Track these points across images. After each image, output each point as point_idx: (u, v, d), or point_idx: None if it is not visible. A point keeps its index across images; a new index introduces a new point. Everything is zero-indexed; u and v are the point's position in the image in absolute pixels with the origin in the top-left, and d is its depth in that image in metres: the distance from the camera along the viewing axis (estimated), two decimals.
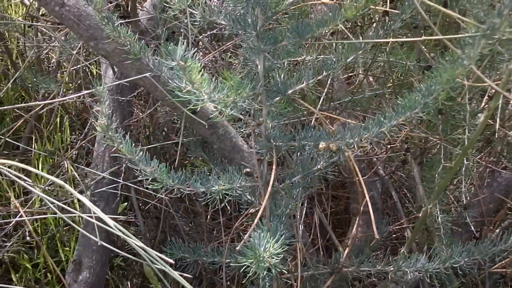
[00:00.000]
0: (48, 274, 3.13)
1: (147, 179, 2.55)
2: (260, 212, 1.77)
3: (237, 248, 1.65)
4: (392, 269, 2.17)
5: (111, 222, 1.60)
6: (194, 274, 2.85)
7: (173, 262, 1.37)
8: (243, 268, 1.65)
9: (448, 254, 2.11)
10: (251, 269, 1.63)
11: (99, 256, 2.78)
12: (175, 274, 1.44)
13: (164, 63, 1.89)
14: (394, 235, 3.17)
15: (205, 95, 1.64)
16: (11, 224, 2.73)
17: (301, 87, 1.99)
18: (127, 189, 2.82)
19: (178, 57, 1.43)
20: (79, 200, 3.13)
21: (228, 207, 3.18)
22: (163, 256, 1.45)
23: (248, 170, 1.96)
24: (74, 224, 1.77)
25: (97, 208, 2.70)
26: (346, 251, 2.29)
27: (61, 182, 1.59)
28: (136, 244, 1.40)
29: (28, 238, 2.99)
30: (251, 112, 1.97)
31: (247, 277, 1.65)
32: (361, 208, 2.49)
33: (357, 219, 2.50)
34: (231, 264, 2.20)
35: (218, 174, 1.99)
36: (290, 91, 1.97)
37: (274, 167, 1.92)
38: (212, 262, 2.24)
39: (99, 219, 2.55)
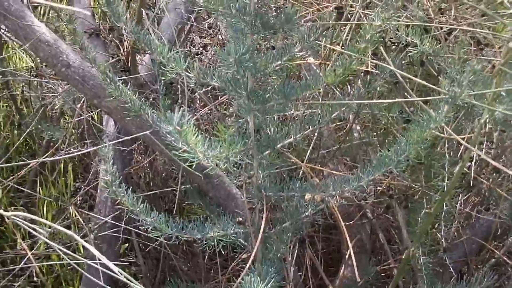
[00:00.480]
0: None
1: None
2: (252, 257, 1.93)
3: None
4: None
5: (115, 269, 1.76)
6: None
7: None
8: None
9: None
10: None
11: None
12: None
13: (162, 122, 2.06)
14: (383, 274, 3.32)
15: (199, 154, 1.81)
16: (19, 266, 2.88)
17: (289, 141, 2.16)
18: (128, 231, 2.97)
19: (175, 123, 1.60)
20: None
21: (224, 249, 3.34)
22: None
23: (240, 219, 2.12)
24: (78, 268, 1.92)
25: (100, 252, 2.87)
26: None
27: (66, 230, 1.75)
28: None
29: (35, 278, 3.13)
30: (243, 164, 2.13)
31: None
32: (349, 251, 2.65)
33: (345, 260, 2.65)
34: None
35: (213, 221, 2.15)
36: (279, 145, 2.15)
37: (264, 215, 2.08)
38: None
39: (103, 264, 2.71)
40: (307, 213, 2.23)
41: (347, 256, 2.60)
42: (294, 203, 2.23)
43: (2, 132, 3.78)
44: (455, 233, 2.96)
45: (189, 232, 2.08)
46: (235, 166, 2.07)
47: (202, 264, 3.30)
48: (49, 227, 2.74)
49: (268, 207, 2.16)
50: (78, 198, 3.29)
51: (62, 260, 3.31)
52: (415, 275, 2.66)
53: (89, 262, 1.80)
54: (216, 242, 2.12)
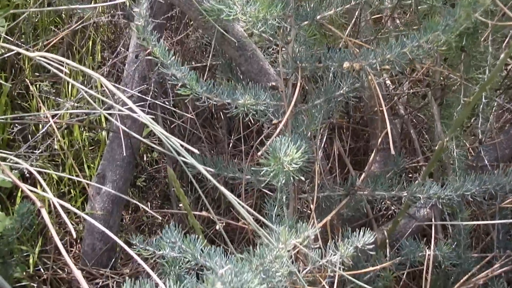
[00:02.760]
0: (72, 191, 3.24)
1: (174, 98, 2.64)
2: (282, 122, 1.85)
3: (259, 153, 1.73)
4: (405, 194, 2.24)
5: (141, 114, 1.68)
6: None
7: (197, 152, 1.45)
8: (263, 172, 1.74)
9: (460, 183, 2.19)
10: (270, 173, 1.72)
11: (122, 171, 2.89)
12: (200, 167, 1.53)
13: None
14: (410, 174, 3.25)
15: (238, 6, 1.72)
16: (41, 132, 2.83)
17: (330, 14, 2.06)
18: (154, 106, 2.91)
19: None
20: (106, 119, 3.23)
21: (250, 137, 3.27)
22: (188, 146, 1.54)
23: (273, 83, 2.04)
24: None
25: (124, 125, 2.81)
26: (362, 176, 2.38)
27: (92, 73, 1.67)
28: (161, 132, 1.49)
29: (56, 146, 3.08)
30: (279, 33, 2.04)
31: (266, 181, 1.73)
32: (379, 141, 2.57)
33: (375, 151, 2.57)
34: (251, 181, 2.29)
35: (245, 89, 2.07)
36: (318, 17, 2.04)
37: (298, 85, 1.99)
38: (232, 177, 2.33)
39: (126, 134, 2.64)
40: (341, 91, 2.14)
41: (375, 150, 2.52)
42: (330, 77, 2.14)
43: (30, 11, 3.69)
44: (489, 136, 2.87)
45: (219, 96, 1.99)
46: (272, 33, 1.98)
47: (226, 151, 3.24)
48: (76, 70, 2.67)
49: (302, 79, 2.07)
50: (105, 69, 3.21)
51: (83, 136, 3.28)
52: (446, 171, 2.59)
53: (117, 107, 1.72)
54: (246, 109, 2.03)
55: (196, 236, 1.72)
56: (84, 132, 3.36)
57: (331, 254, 1.78)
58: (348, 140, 3.16)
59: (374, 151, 2.53)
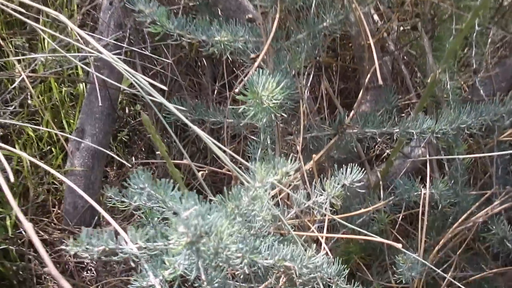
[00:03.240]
0: (53, 149, 3.11)
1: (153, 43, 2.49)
2: (261, 56, 1.71)
3: (236, 89, 1.59)
4: (397, 130, 2.12)
5: (111, 56, 1.55)
6: None
7: (166, 88, 1.32)
8: (240, 110, 1.60)
9: (455, 115, 2.06)
10: (250, 111, 1.59)
11: (102, 125, 2.76)
12: (170, 106, 1.39)
13: None
14: (403, 113, 3.12)
15: None
16: (12, 86, 2.69)
17: None
18: (132, 54, 2.78)
19: None
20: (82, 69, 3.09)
21: (236, 83, 3.14)
22: (157, 83, 1.41)
23: (250, 16, 1.89)
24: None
25: (101, 75, 2.67)
26: (351, 113, 2.24)
27: (68, 22, 1.52)
28: (125, 70, 1.35)
29: (30, 102, 2.95)
30: None
31: (246, 118, 1.59)
32: (368, 78, 2.43)
33: (363, 89, 2.44)
34: (234, 125, 2.16)
35: (221, 24, 1.92)
36: None
37: (277, 16, 1.85)
38: (214, 122, 2.20)
39: (104, 85, 2.50)
40: (325, 24, 2.00)
41: (363, 88, 2.39)
42: (312, 9, 2.00)
43: None
44: (484, 68, 2.73)
45: (193, 32, 1.84)
46: None
47: (210, 98, 3.10)
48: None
49: (282, 12, 1.93)
50: (78, 17, 3.05)
51: (62, 92, 3.14)
52: (439, 106, 2.46)
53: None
54: (222, 46, 1.89)
55: (168, 180, 1.58)
56: (64, 87, 3.22)
57: (317, 194, 1.65)
58: (337, 81, 3.02)
59: (362, 89, 2.39)
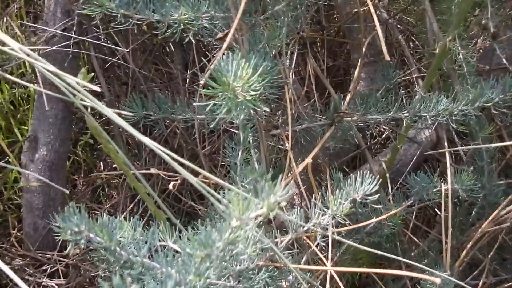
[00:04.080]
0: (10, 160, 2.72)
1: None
2: (230, 35, 1.30)
3: (201, 81, 1.20)
4: (407, 114, 1.74)
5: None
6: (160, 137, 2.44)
7: (99, 89, 0.93)
8: (209, 107, 1.21)
9: (477, 92, 1.68)
10: (221, 108, 1.20)
11: (57, 130, 2.37)
12: (108, 112, 1.00)
13: None
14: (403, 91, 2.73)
15: None
16: None
17: None
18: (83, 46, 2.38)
19: None
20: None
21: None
22: (88, 84, 1.01)
23: None
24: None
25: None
26: (348, 97, 1.85)
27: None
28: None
29: None
30: None
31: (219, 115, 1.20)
32: (364, 51, 2.05)
33: (359, 65, 2.04)
34: (208, 121, 1.77)
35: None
36: None
37: None
38: (184, 119, 1.80)
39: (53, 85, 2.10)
40: None
41: (359, 64, 1.98)
42: None
43: None
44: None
45: (142, 11, 1.45)
46: None
47: (182, 89, 2.70)
48: None
49: None
50: (15, 7, 2.63)
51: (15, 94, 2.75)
52: (449, 82, 2.08)
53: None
54: (182, 26, 1.49)
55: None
56: (16, 88, 2.83)
57: (319, 213, 1.25)
58: (324, 58, 2.62)
59: (358, 65, 1.99)
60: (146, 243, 1.06)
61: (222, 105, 1.20)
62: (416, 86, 2.41)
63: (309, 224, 1.23)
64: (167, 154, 0.92)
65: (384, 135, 2.84)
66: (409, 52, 2.46)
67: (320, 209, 1.24)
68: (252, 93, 1.18)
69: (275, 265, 1.21)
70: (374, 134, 2.75)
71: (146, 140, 0.93)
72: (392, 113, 1.75)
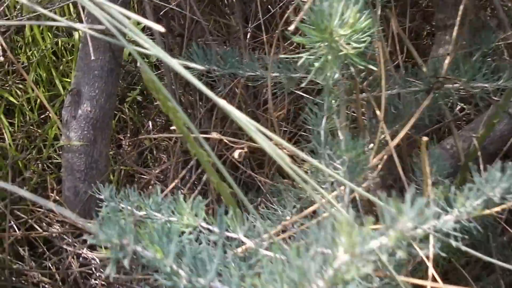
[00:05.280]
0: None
1: None
2: None
3: (291, 26, 0.92)
4: None
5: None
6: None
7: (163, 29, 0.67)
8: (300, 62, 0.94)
9: None
10: (313, 62, 0.93)
11: (102, 84, 2.11)
12: (173, 62, 0.74)
13: None
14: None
15: None
16: None
17: None
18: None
19: None
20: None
21: (273, 24, 2.48)
22: (146, 21, 0.74)
23: None
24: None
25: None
26: (447, 60, 1.56)
27: None
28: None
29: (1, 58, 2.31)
30: None
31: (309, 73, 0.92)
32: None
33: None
34: (279, 81, 1.51)
35: None
36: None
37: None
38: (251, 76, 1.54)
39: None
40: None
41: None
42: None
43: None
44: None
45: None
46: None
47: (243, 43, 2.43)
48: None
49: None
50: None
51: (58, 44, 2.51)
52: None
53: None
54: None
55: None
56: (60, 37, 2.60)
57: (436, 214, 0.93)
58: (407, 16, 2.33)
59: (456, 23, 1.69)
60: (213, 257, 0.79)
61: (316, 58, 0.92)
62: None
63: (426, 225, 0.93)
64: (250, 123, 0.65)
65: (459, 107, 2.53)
66: (504, 14, 2.16)
67: (442, 209, 0.93)
68: (358, 46, 0.90)
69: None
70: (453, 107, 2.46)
71: (221, 102, 0.66)
72: (503, 80, 1.45)
